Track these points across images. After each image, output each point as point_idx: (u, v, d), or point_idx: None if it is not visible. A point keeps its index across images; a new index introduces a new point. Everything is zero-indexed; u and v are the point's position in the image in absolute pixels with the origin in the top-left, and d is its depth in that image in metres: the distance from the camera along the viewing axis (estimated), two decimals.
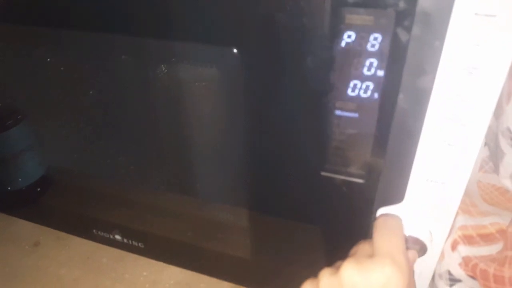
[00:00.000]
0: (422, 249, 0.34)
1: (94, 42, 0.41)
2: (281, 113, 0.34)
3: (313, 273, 0.41)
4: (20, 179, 0.56)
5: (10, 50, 0.51)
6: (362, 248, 0.32)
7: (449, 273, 0.37)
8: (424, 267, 0.37)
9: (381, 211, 0.34)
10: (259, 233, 0.43)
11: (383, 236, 0.30)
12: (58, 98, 0.57)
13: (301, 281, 0.43)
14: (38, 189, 0.59)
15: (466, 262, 0.35)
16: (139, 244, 0.49)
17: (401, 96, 0.29)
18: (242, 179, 0.41)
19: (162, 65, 0.40)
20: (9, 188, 0.56)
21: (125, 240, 0.49)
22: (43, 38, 0.46)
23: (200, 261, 0.48)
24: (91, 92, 0.49)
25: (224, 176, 0.43)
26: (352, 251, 0.33)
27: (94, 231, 0.51)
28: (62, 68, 0.55)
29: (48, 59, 0.51)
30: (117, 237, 0.49)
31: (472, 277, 0.36)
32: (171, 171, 0.47)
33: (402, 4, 0.25)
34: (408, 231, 0.34)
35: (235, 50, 0.33)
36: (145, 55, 0.39)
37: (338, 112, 0.32)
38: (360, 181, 0.33)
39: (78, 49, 0.45)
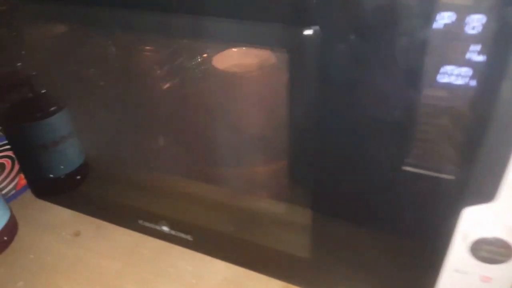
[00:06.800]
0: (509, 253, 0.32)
1: (145, 28, 0.39)
2: (361, 100, 0.31)
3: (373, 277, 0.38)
4: (62, 166, 0.55)
5: (54, 37, 0.49)
6: None
7: None
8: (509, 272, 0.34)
9: (467, 211, 0.31)
10: (319, 233, 0.40)
11: None
12: (101, 85, 0.56)
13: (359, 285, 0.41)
14: (78, 177, 0.57)
15: None
16: (188, 236, 0.47)
17: (504, 84, 0.26)
18: (305, 175, 0.38)
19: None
20: (51, 175, 0.55)
21: (172, 232, 0.47)
22: (92, 27, 0.44)
23: (251, 258, 0.46)
24: (136, 82, 0.47)
25: (284, 171, 0.41)
26: None
27: (140, 221, 0.49)
28: (106, 57, 0.53)
29: (93, 50, 0.50)
30: (164, 228, 0.47)
31: None
32: (224, 163, 0.45)
33: None
34: (495, 233, 0.31)
35: (310, 31, 0.30)
36: (207, 36, 0.36)
37: (427, 100, 0.29)
38: (450, 177, 0.30)
39: (124, 41, 0.43)
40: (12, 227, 0.52)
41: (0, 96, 0.51)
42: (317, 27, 0.30)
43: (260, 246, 0.44)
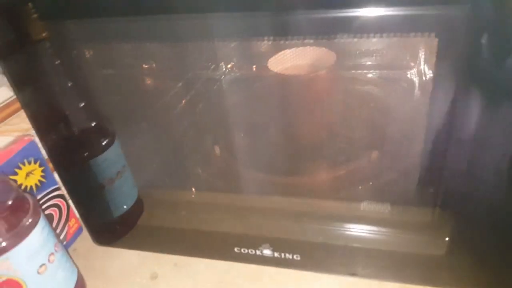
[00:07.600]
0: None
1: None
2: None
3: None
4: (124, 205, 0.49)
5: (99, 65, 0.44)
6: None
7: None
8: None
9: None
10: (453, 230, 0.38)
11: None
12: (151, 109, 0.51)
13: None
14: (135, 213, 0.52)
15: None
16: (295, 256, 0.43)
17: None
18: (437, 175, 0.35)
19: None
20: (113, 217, 0.49)
21: (276, 254, 0.43)
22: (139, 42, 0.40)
23: (367, 265, 0.42)
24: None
25: (412, 174, 0.38)
26: None
27: (236, 249, 0.44)
28: (153, 80, 0.49)
29: (140, 74, 0.46)
30: (266, 252, 0.43)
31: None
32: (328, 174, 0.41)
33: None
34: None
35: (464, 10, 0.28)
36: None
37: None
38: None
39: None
40: (81, 282, 0.46)
41: (47, 133, 0.44)
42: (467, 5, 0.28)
43: (379, 251, 0.41)
